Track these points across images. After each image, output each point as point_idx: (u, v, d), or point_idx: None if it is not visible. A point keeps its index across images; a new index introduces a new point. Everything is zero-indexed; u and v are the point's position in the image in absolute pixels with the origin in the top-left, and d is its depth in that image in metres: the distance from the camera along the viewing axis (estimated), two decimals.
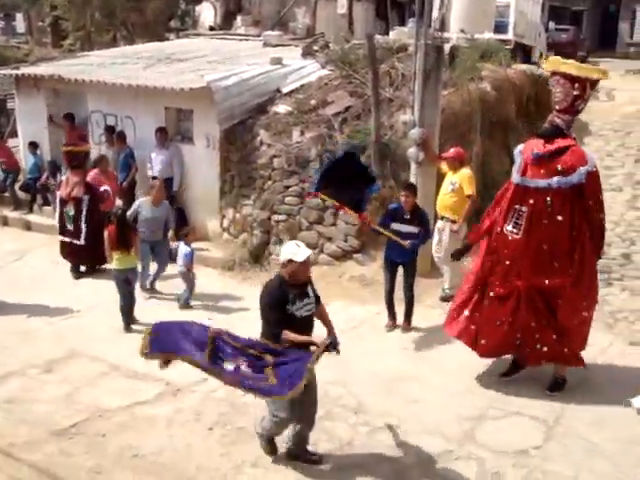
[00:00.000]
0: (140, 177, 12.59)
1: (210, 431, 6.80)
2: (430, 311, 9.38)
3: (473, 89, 12.32)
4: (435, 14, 17.17)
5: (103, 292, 10.09)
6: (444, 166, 9.93)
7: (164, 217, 10.40)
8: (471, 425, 6.81)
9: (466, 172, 9.66)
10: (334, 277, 10.45)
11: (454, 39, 14.98)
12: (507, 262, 7.26)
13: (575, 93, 6.98)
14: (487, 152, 12.29)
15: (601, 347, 8.39)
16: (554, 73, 7.11)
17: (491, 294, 7.37)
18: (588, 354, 8.17)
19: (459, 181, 9.54)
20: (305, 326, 5.90)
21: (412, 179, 10.17)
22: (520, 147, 7.46)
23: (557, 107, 7.10)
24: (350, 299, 9.90)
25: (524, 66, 15.75)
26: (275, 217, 11.50)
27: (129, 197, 12.31)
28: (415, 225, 8.75)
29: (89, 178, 11.44)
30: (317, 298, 6.11)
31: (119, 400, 7.33)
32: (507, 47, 16.56)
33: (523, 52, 19.36)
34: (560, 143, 7.03)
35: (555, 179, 6.92)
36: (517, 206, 7.17)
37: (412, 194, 8.84)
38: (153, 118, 12.75)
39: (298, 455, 6.22)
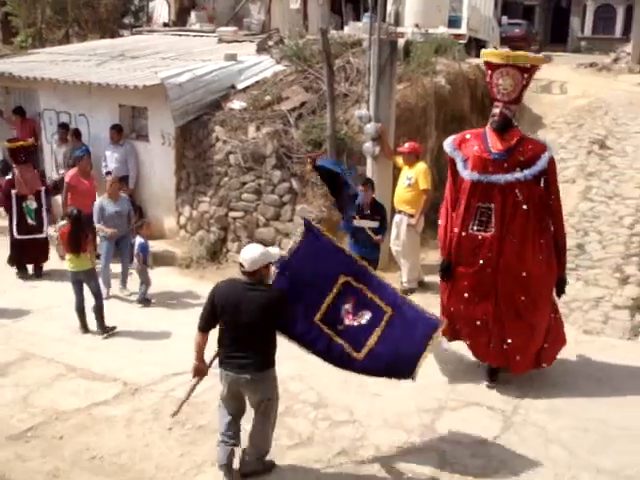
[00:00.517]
0: (96, 175, 12.41)
1: (169, 431, 6.74)
2: None
3: (428, 83, 12.40)
4: (389, 9, 17.37)
5: (57, 293, 9.96)
6: (400, 160, 9.98)
7: (126, 211, 10.30)
8: (431, 417, 6.86)
9: (422, 166, 9.73)
10: None
11: (408, 34, 15.13)
12: (480, 262, 7.10)
13: (523, 83, 7.01)
14: (442, 146, 12.37)
15: None
16: (499, 65, 6.98)
17: (466, 295, 7.24)
18: None
19: (415, 175, 9.61)
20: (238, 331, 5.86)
21: (368, 174, 10.20)
22: (451, 141, 7.34)
23: (506, 99, 7.03)
24: None
25: (478, 60, 15.90)
26: (232, 214, 11.46)
27: None
28: (375, 220, 8.85)
29: (67, 178, 11.24)
30: None
31: (76, 402, 7.24)
32: (461, 42, 16.70)
33: (477, 46, 19.53)
34: (516, 135, 7.04)
35: (525, 172, 6.88)
36: (480, 204, 7.05)
37: (371, 189, 8.92)
38: (107, 116, 12.61)
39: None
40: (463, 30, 18.95)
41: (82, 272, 8.93)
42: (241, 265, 5.60)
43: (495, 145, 7.01)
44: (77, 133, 12.56)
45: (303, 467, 6.12)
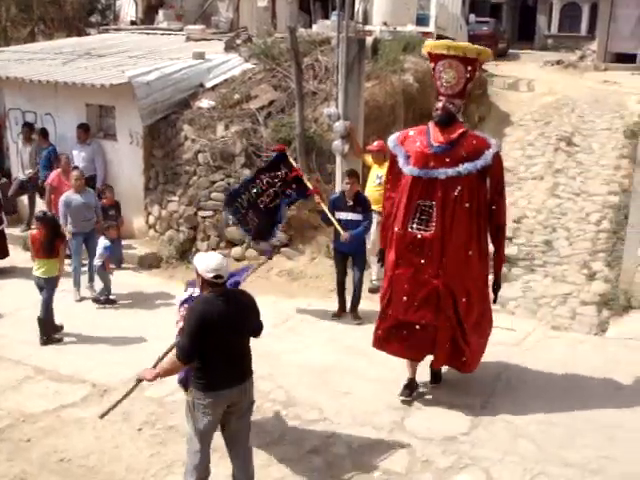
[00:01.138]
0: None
1: (139, 431, 6.69)
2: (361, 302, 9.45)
3: (396, 81, 12.47)
4: (357, 7, 17.38)
5: (24, 295, 9.82)
6: (369, 159, 10.01)
7: (93, 204, 10.15)
8: (401, 414, 6.88)
9: None
10: (262, 272, 10.40)
11: (377, 32, 15.14)
12: (422, 261, 6.77)
13: (467, 76, 6.76)
14: None
15: (525, 332, 8.59)
16: (442, 56, 6.76)
17: (405, 299, 6.86)
18: (512, 339, 8.40)
19: (385, 174, 9.63)
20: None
21: (337, 172, 10.22)
22: (395, 138, 7.03)
23: (450, 92, 6.77)
24: (279, 293, 9.90)
25: None
26: (201, 213, 11.41)
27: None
28: (358, 212, 8.83)
29: (50, 180, 11.09)
30: None
31: (44, 404, 7.16)
32: (429, 40, 16.75)
33: None
34: (459, 129, 6.75)
35: (465, 165, 6.60)
36: (420, 201, 6.74)
37: (356, 180, 8.94)
38: (74, 115, 12.50)
39: None
40: (431, 28, 19.01)
41: (46, 279, 8.74)
42: (216, 277, 5.03)
43: (437, 138, 6.72)
44: (44, 133, 12.44)
45: (274, 466, 6.11)
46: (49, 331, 8.74)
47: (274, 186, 8.95)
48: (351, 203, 8.84)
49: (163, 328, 8.66)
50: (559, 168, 13.82)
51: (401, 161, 6.88)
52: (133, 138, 12.06)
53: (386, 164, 9.62)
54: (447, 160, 6.64)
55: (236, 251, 11.13)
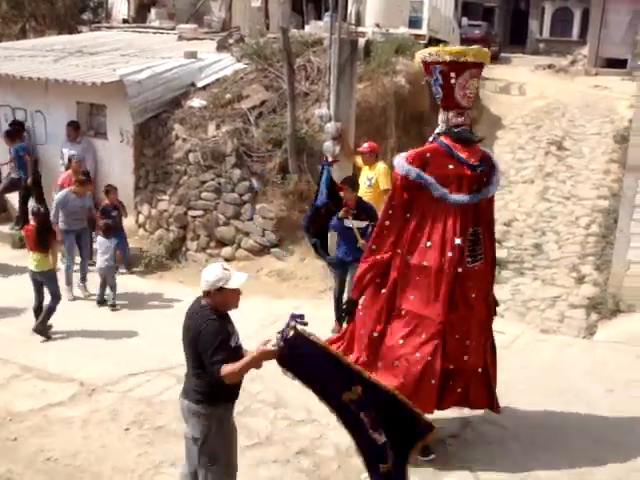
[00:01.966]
0: (53, 173, 12.26)
1: (127, 431, 6.67)
2: None
3: (388, 83, 12.47)
4: (350, 8, 17.40)
5: (12, 293, 9.79)
6: (360, 160, 9.99)
7: (88, 206, 10.25)
8: None
9: (382, 166, 9.73)
10: (252, 272, 10.41)
11: (369, 33, 15.15)
12: (472, 295, 6.06)
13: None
14: (402, 146, 12.43)
15: (514, 335, 8.61)
16: (468, 65, 5.90)
17: (467, 342, 6.05)
18: (501, 342, 8.38)
19: (375, 176, 9.60)
20: (240, 355, 4.75)
21: None
22: (409, 165, 5.95)
23: (470, 104, 6.10)
24: (269, 294, 9.89)
25: None
26: (191, 212, 11.39)
27: (37, 192, 12.04)
28: (362, 219, 8.52)
29: (60, 180, 11.00)
30: None
31: (31, 403, 7.12)
32: (421, 42, 16.79)
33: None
34: (477, 146, 6.16)
35: (495, 180, 6.15)
36: (471, 229, 6.01)
37: (350, 189, 8.58)
38: (64, 113, 12.46)
39: None
40: (424, 31, 19.07)
41: (42, 273, 8.79)
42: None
43: (469, 157, 5.98)
44: (10, 133, 12.37)
45: (262, 466, 6.09)
46: (47, 321, 8.79)
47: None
48: (355, 211, 8.55)
49: (152, 328, 8.70)
50: (549, 172, 13.85)
51: (439, 191, 5.92)
52: (124, 137, 12.03)
53: (377, 166, 9.63)
54: (485, 180, 6.10)
55: (226, 251, 11.11)
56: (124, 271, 10.75)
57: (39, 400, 7.18)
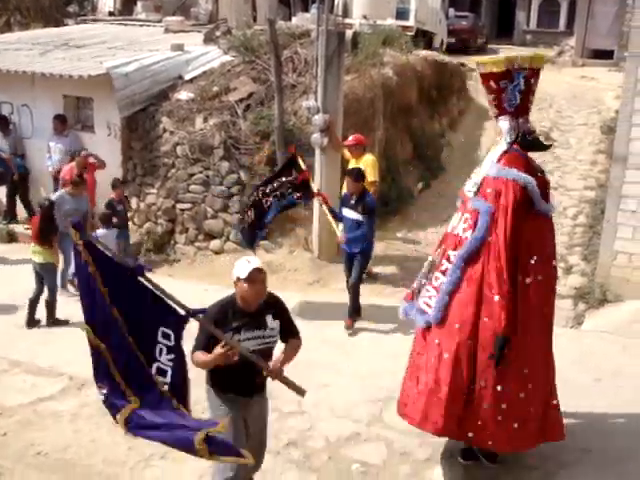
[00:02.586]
0: (40, 167, 12.22)
1: (117, 425, 6.65)
2: (337, 295, 9.45)
3: (375, 75, 12.46)
4: (337, 0, 17.37)
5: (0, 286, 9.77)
6: (347, 152, 9.99)
7: (84, 210, 9.93)
8: (379, 407, 6.89)
9: (369, 158, 9.74)
10: None
11: (356, 25, 15.13)
12: None
13: None
14: (390, 138, 12.46)
15: None
16: (540, 71, 5.75)
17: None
18: None
19: (363, 168, 9.61)
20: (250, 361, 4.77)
21: (316, 165, 10.21)
22: (525, 175, 5.55)
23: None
24: None
25: (425, 52, 16.03)
26: (180, 205, 11.38)
27: (22, 189, 12.01)
28: (358, 212, 8.45)
29: (63, 173, 10.88)
30: (288, 332, 5.13)
31: (21, 397, 7.12)
32: (409, 33, 16.80)
33: (424, 38, 19.68)
34: None
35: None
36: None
37: (355, 179, 8.47)
38: (51, 106, 12.40)
39: None
40: (411, 22, 19.06)
41: (40, 265, 8.83)
42: None
43: (539, 166, 5.87)
44: None
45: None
46: (54, 314, 8.88)
47: (282, 188, 8.86)
48: (353, 202, 8.50)
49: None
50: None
51: (539, 202, 5.61)
52: (111, 130, 11.99)
53: (364, 157, 9.62)
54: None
55: (215, 244, 11.11)
56: None
57: (29, 395, 7.17)
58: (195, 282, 9.74)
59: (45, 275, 8.89)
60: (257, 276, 4.75)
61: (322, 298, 9.29)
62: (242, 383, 4.95)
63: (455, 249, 5.69)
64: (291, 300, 9.37)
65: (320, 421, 6.61)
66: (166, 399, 4.59)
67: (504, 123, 5.77)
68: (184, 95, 11.95)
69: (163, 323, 4.53)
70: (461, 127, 15.69)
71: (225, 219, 11.02)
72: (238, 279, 4.76)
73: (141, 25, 16.90)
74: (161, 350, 4.56)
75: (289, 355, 5.03)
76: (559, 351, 7.96)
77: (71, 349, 8.10)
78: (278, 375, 4.82)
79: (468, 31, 26.19)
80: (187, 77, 12.45)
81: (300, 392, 4.89)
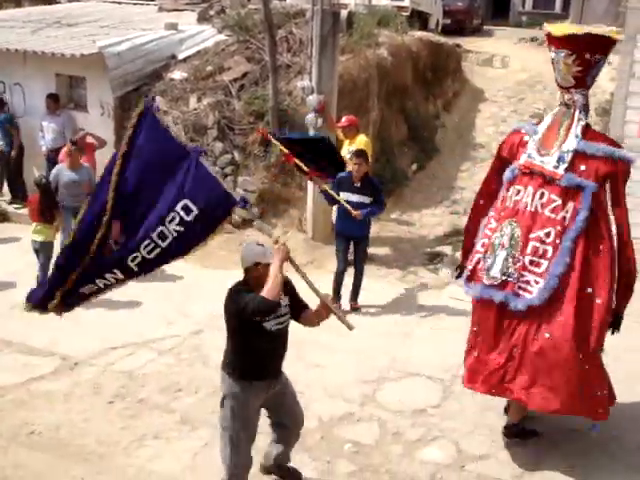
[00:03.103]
0: (32, 146, 12.13)
1: (110, 404, 6.67)
2: (331, 276, 9.43)
3: (370, 55, 12.40)
4: None
5: None
6: (341, 133, 9.97)
7: (85, 181, 9.70)
8: (372, 387, 6.93)
9: (363, 139, 9.73)
10: (235, 245, 10.34)
11: (351, 5, 15.03)
12: None
13: None
14: (384, 119, 12.42)
15: None
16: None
17: None
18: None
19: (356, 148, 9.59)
20: (276, 340, 5.01)
21: None
22: (595, 143, 5.73)
23: None
24: None
25: (421, 33, 15.96)
26: None
27: (15, 166, 11.93)
28: (367, 195, 8.32)
29: (61, 155, 10.61)
30: (300, 304, 5.25)
31: (13, 377, 7.09)
32: (404, 14, 16.70)
33: (420, 19, 19.58)
34: None
35: None
36: None
37: (364, 161, 8.38)
38: (43, 85, 12.28)
39: (273, 472, 5.55)
40: (406, 2, 18.98)
41: (41, 242, 8.84)
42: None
43: None
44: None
45: None
46: None
47: None
48: (358, 185, 8.29)
49: (132, 302, 8.64)
50: None
51: None
52: (104, 109, 11.90)
53: (358, 138, 9.61)
54: None
55: None
56: None
57: (21, 374, 7.15)
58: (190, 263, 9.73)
59: (42, 253, 8.88)
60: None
61: (316, 279, 9.22)
62: (272, 364, 5.04)
63: (543, 229, 5.68)
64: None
65: (313, 401, 6.61)
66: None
67: (580, 97, 5.84)
68: (178, 75, 11.88)
69: (194, 198, 4.82)
70: (455, 109, 15.65)
71: None
72: (257, 264, 4.87)
73: (134, 3, 16.76)
74: (173, 219, 4.81)
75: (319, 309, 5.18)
76: None
77: (63, 329, 8.09)
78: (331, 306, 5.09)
79: (464, 12, 26.03)
80: (181, 56, 12.37)
81: (349, 327, 5.07)
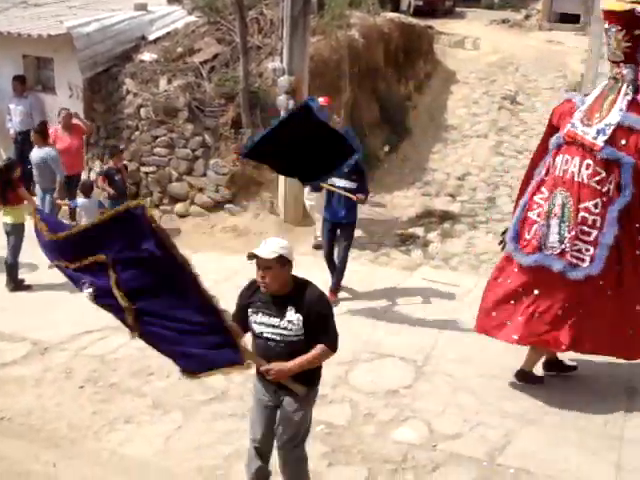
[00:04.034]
0: (0, 129, 11.97)
1: (81, 389, 6.63)
2: (303, 259, 9.42)
3: (342, 37, 12.34)
4: None
5: None
6: None
7: (49, 161, 9.67)
8: (345, 369, 6.93)
9: (337, 121, 9.70)
10: (206, 228, 10.37)
11: None
12: None
13: None
14: (356, 100, 12.39)
15: (467, 288, 8.71)
16: None
17: None
18: (455, 294, 8.53)
19: None
20: (264, 350, 4.65)
21: None
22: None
23: None
24: (223, 250, 9.82)
25: (393, 14, 15.90)
26: (144, 169, 11.23)
27: None
28: (353, 180, 8.08)
29: (52, 135, 10.37)
30: (313, 332, 4.70)
31: None
32: None
33: (392, 1, 19.50)
34: None
35: None
36: None
37: None
38: (10, 67, 12.12)
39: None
40: None
41: (12, 225, 8.71)
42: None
43: None
44: None
45: (219, 421, 6.13)
46: (16, 277, 8.81)
47: None
48: (346, 170, 7.80)
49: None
50: (503, 126, 13.95)
51: None
52: (73, 91, 11.76)
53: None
54: None
55: (180, 207, 11.00)
56: None
57: None
58: None
59: (13, 234, 8.76)
60: (260, 263, 4.64)
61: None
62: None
63: (591, 200, 5.94)
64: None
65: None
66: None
67: (630, 72, 5.93)
68: (147, 56, 11.75)
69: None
70: (428, 90, 15.64)
71: (190, 182, 10.92)
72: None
73: None
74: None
75: (303, 359, 4.62)
76: None
77: (34, 314, 8.06)
78: (277, 375, 4.59)
79: None
80: (151, 38, 12.23)
81: (297, 390, 4.74)
